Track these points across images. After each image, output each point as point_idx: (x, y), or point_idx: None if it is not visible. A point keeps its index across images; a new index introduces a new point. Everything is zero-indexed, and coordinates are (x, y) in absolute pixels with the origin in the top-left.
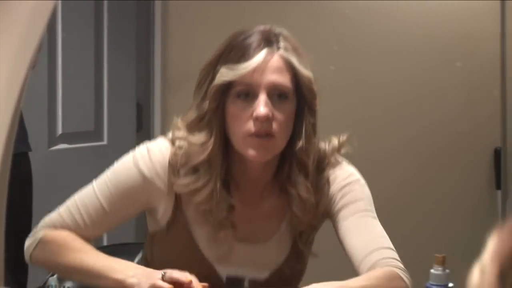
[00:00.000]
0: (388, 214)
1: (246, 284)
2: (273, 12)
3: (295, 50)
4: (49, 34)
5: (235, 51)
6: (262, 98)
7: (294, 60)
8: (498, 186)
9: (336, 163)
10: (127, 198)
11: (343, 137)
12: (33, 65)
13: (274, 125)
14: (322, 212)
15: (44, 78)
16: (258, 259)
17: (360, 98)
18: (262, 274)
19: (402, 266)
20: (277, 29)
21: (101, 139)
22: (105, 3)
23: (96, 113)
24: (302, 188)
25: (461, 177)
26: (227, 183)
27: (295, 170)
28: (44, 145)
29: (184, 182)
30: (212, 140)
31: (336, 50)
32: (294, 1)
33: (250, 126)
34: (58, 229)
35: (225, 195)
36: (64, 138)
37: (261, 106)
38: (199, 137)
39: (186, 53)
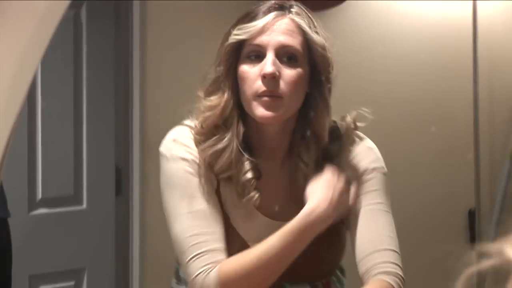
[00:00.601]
0: None
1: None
2: None
3: (308, 17)
4: (28, 100)
5: (248, 15)
6: (270, 57)
7: (305, 25)
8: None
9: (359, 142)
10: (200, 186)
11: (353, 114)
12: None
13: (282, 86)
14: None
15: (24, 143)
16: None
17: None
18: None
19: (399, 272)
20: (293, 2)
21: (81, 203)
22: (84, 68)
23: (76, 177)
24: (311, 161)
25: (437, 238)
26: (248, 149)
27: (309, 140)
28: (24, 210)
29: (204, 146)
30: (224, 100)
31: None
32: None
33: (259, 85)
34: (214, 266)
35: (247, 157)
36: (44, 202)
37: (268, 64)
38: (212, 99)
39: (164, 118)
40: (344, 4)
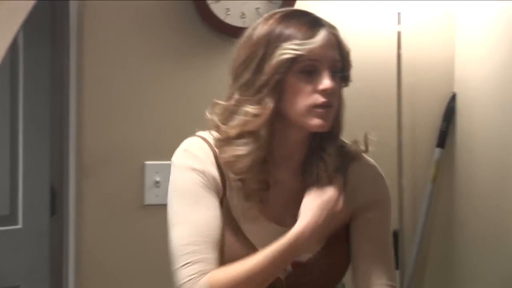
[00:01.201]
0: None
1: (288, 266)
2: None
3: (336, 29)
4: None
5: (293, 29)
6: (327, 72)
7: (341, 38)
8: (397, 266)
9: (368, 165)
10: (208, 196)
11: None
12: None
13: (335, 96)
14: (351, 211)
15: None
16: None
17: None
18: (304, 257)
19: None
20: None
21: (16, 223)
22: (20, 89)
23: (11, 197)
24: (330, 160)
25: None
26: (265, 160)
27: (324, 151)
28: None
29: (228, 148)
30: (268, 111)
31: None
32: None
33: (316, 98)
34: (204, 275)
35: (263, 169)
36: None
37: (328, 80)
38: (256, 107)
39: (100, 140)
40: None
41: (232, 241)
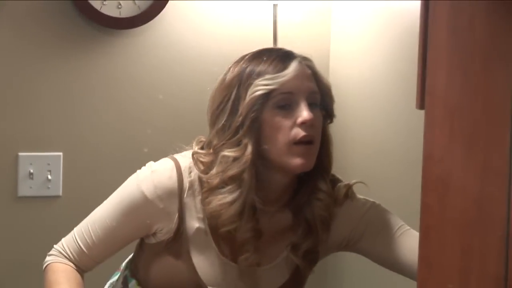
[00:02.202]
0: None
1: None
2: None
3: (310, 60)
4: None
5: (263, 65)
6: (304, 103)
7: (317, 69)
8: None
9: (349, 196)
10: (131, 215)
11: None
12: None
13: (316, 129)
14: (337, 242)
15: None
16: (257, 282)
17: None
18: None
19: None
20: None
21: None
22: None
23: None
24: (316, 215)
25: None
26: (255, 207)
27: (314, 193)
28: None
29: (213, 198)
30: (249, 152)
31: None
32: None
33: (296, 132)
34: (61, 259)
35: (252, 215)
36: None
37: (306, 111)
38: (233, 152)
39: None
40: (152, 22)
41: (182, 278)
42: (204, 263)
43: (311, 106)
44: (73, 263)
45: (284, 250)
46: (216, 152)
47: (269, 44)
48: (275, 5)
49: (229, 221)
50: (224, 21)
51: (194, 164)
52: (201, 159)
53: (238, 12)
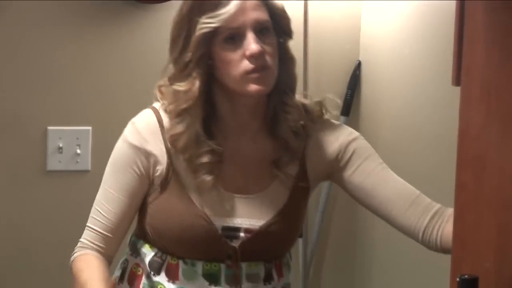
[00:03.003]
0: None
1: (241, 233)
2: None
3: None
4: None
5: (209, 1)
6: (251, 36)
7: None
8: (301, 234)
9: (331, 122)
10: (129, 171)
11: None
12: None
13: (267, 58)
14: (324, 170)
15: None
16: (252, 210)
17: None
18: (257, 223)
19: None
20: None
21: None
22: None
23: None
24: (288, 129)
25: None
26: (211, 131)
27: (280, 115)
28: None
29: (167, 128)
30: (196, 86)
31: None
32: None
33: (246, 65)
34: (86, 250)
35: (206, 140)
36: None
37: (252, 44)
38: (183, 85)
39: (1, 105)
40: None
41: (181, 211)
42: (199, 194)
43: (261, 33)
44: (96, 251)
45: (275, 178)
46: (169, 84)
47: (300, 20)
48: None
49: (182, 150)
50: None
51: (160, 99)
52: (163, 92)
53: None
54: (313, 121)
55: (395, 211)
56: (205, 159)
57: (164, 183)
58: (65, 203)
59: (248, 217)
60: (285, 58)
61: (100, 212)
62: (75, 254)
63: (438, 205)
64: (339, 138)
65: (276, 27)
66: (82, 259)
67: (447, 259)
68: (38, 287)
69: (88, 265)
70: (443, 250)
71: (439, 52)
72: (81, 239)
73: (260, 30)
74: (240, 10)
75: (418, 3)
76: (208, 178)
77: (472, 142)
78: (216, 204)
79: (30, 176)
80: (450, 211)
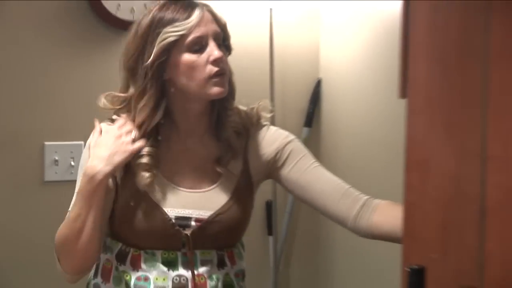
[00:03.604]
0: None
1: (193, 222)
2: None
3: (209, 6)
4: None
5: (171, 13)
6: (213, 44)
7: (215, 12)
8: (271, 233)
9: (270, 126)
10: None
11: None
12: None
13: (225, 63)
14: (264, 168)
15: None
16: (203, 202)
17: None
18: (206, 214)
19: None
20: None
21: None
22: None
23: None
24: (230, 131)
25: None
26: (164, 133)
27: (223, 119)
28: None
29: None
30: (152, 92)
31: None
32: None
33: (210, 69)
34: None
35: (149, 140)
36: None
37: (215, 51)
38: (143, 100)
39: (1, 123)
40: None
41: (139, 205)
42: (154, 190)
43: (217, 44)
44: None
45: (222, 175)
46: (134, 99)
47: (267, 43)
48: (270, 9)
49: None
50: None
51: (104, 105)
52: (115, 100)
53: (239, 14)
54: (253, 124)
55: (328, 203)
56: (144, 160)
57: (123, 182)
58: (62, 209)
59: (198, 209)
60: (229, 70)
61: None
62: None
63: (366, 197)
64: (277, 140)
65: (224, 43)
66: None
67: (398, 251)
68: None
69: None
70: (373, 236)
71: (387, 70)
72: None
73: (220, 42)
74: (202, 21)
75: (369, 26)
76: (146, 174)
77: (418, 147)
78: (169, 198)
79: (30, 186)
80: (377, 201)
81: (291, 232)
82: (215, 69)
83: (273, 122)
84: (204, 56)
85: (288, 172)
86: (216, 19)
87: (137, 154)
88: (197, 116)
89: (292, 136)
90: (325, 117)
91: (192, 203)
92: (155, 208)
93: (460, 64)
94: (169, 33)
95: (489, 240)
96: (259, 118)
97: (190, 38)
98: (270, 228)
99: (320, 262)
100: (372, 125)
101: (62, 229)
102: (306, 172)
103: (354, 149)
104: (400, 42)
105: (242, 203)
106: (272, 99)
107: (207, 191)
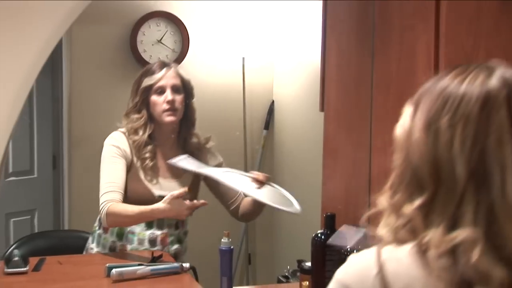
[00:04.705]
0: None
1: (167, 196)
2: None
3: (178, 68)
4: None
5: (150, 71)
6: (169, 91)
7: (181, 72)
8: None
9: (212, 150)
10: (117, 158)
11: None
12: None
13: (176, 103)
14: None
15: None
16: (174, 187)
17: None
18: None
19: None
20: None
21: (33, 174)
22: (34, 91)
23: (30, 159)
24: (194, 144)
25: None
26: (151, 141)
27: (188, 132)
28: (2, 178)
29: (132, 137)
30: (145, 117)
31: None
32: None
33: (165, 106)
34: (112, 202)
35: (149, 143)
36: (13, 174)
37: (169, 95)
38: (137, 117)
39: (84, 123)
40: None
41: (135, 185)
42: (145, 177)
43: (174, 91)
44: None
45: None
46: (128, 116)
47: (240, 80)
48: (243, 58)
49: (138, 147)
50: (208, 65)
51: (123, 124)
52: (125, 120)
53: (219, 60)
54: (204, 147)
55: (226, 198)
56: (147, 154)
57: (129, 168)
58: None
59: (170, 191)
60: (190, 108)
61: (111, 183)
62: (107, 205)
63: (243, 195)
64: (212, 158)
65: (185, 91)
66: (116, 204)
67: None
68: None
69: (126, 205)
70: (242, 218)
71: (315, 95)
72: (104, 200)
73: (175, 89)
74: (165, 76)
75: (304, 69)
76: (150, 163)
77: (330, 141)
78: (154, 184)
79: None
80: (247, 198)
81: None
82: (167, 106)
83: (244, 126)
84: (162, 98)
85: (209, 179)
86: (179, 75)
87: (143, 151)
88: (168, 134)
89: (221, 159)
90: (277, 123)
91: (168, 187)
92: (145, 189)
93: (356, 89)
94: (146, 81)
95: (373, 198)
96: (207, 142)
97: (155, 86)
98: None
99: (275, 233)
100: (305, 126)
101: (122, 213)
102: (217, 174)
103: (295, 142)
104: (320, 75)
105: (194, 190)
106: (244, 114)
107: (176, 181)
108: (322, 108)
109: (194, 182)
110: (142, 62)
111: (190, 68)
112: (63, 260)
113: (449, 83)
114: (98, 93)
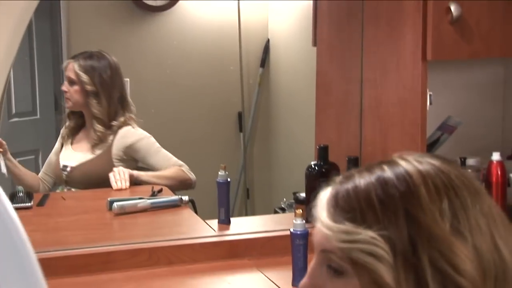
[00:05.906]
0: None
1: (68, 169)
2: None
3: (79, 60)
4: None
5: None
6: (66, 82)
7: (76, 64)
8: (241, 130)
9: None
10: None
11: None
12: None
13: (71, 93)
14: (125, 152)
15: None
16: (78, 158)
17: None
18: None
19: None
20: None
21: (36, 115)
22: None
23: (33, 101)
24: (99, 128)
25: (215, 136)
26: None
27: (99, 122)
28: (6, 119)
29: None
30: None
31: None
32: None
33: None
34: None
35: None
36: (16, 115)
37: (64, 86)
38: None
39: None
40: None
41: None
42: (64, 153)
43: (69, 82)
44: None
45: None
46: None
47: (236, 21)
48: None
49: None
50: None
51: None
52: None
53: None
54: (120, 127)
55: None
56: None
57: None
58: None
59: (75, 162)
60: (91, 102)
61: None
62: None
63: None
64: (132, 137)
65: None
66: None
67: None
68: None
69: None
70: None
71: (308, 30)
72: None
73: (71, 81)
74: (65, 69)
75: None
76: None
77: (323, 74)
78: (65, 156)
79: None
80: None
81: (253, 130)
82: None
83: (241, 65)
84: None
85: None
86: (74, 68)
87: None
88: (88, 118)
89: (144, 135)
90: (272, 62)
91: (74, 158)
92: (57, 160)
93: (348, 23)
94: None
95: (365, 128)
96: (126, 124)
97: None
98: (241, 125)
99: (271, 152)
100: (300, 62)
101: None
102: (149, 154)
103: (290, 79)
104: (312, 9)
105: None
106: (240, 52)
107: (86, 153)
108: (314, 43)
109: (97, 161)
110: (140, 5)
111: (185, 4)
112: (66, 195)
113: None
114: (96, 35)
